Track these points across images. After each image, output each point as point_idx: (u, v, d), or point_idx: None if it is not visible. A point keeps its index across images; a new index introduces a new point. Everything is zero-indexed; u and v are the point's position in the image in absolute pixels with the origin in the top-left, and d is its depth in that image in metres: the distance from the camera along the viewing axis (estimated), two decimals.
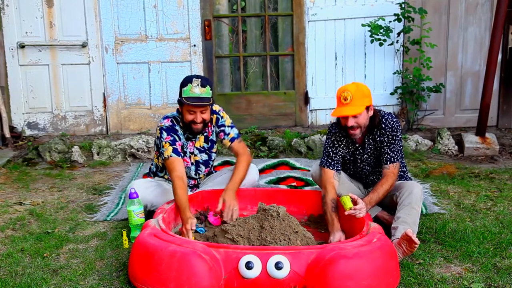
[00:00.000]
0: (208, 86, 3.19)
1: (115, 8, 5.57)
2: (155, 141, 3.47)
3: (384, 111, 3.23)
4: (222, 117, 3.47)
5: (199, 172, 3.51)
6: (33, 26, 5.54)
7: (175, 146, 3.21)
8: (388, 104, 5.68)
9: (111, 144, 5.18)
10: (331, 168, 3.21)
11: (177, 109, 3.38)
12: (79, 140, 5.50)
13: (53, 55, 5.60)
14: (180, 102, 3.24)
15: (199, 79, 3.18)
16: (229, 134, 3.45)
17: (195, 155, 3.44)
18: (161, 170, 3.54)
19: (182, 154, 3.29)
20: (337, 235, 2.95)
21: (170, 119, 3.33)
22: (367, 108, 3.07)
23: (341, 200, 2.96)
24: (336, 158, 3.23)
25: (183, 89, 3.20)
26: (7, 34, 5.52)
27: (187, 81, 3.21)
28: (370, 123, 3.13)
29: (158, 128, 3.32)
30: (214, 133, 3.48)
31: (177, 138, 3.27)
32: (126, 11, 5.58)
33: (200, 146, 3.44)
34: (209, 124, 3.42)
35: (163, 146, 3.23)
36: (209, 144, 3.47)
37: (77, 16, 5.55)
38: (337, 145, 3.24)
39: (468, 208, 3.56)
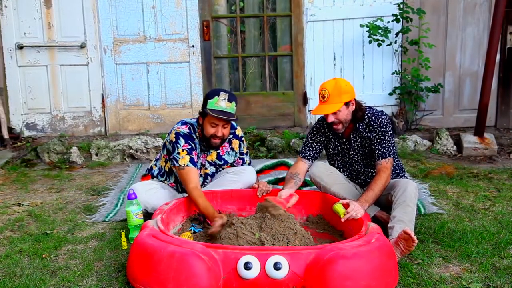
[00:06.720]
0: (234, 102, 3.14)
1: (113, 9, 5.57)
2: (165, 144, 3.34)
3: (375, 109, 3.25)
4: (243, 143, 3.53)
5: (205, 183, 3.47)
6: (32, 27, 5.53)
7: (192, 156, 3.13)
8: (387, 104, 5.68)
9: (110, 145, 5.18)
10: (305, 158, 3.35)
11: (197, 119, 3.28)
12: (77, 141, 5.50)
13: (51, 56, 5.60)
14: (203, 113, 3.16)
15: (227, 94, 3.12)
16: (245, 162, 3.57)
17: (206, 168, 3.41)
18: (162, 174, 3.44)
19: (198, 165, 3.24)
20: (283, 193, 3.11)
21: (188, 126, 3.22)
22: (347, 103, 3.10)
23: (333, 210, 2.99)
24: (311, 150, 3.35)
25: (209, 100, 3.11)
26: (5, 35, 5.52)
27: (214, 93, 3.14)
28: (353, 117, 3.17)
29: (174, 132, 3.19)
30: (231, 156, 3.48)
31: (194, 147, 3.18)
32: (124, 12, 5.58)
33: (211, 160, 3.41)
34: (225, 144, 3.40)
35: (178, 153, 3.12)
36: (222, 162, 3.46)
37: (76, 17, 5.55)
38: (317, 139, 3.35)
39: (466, 208, 3.56)
